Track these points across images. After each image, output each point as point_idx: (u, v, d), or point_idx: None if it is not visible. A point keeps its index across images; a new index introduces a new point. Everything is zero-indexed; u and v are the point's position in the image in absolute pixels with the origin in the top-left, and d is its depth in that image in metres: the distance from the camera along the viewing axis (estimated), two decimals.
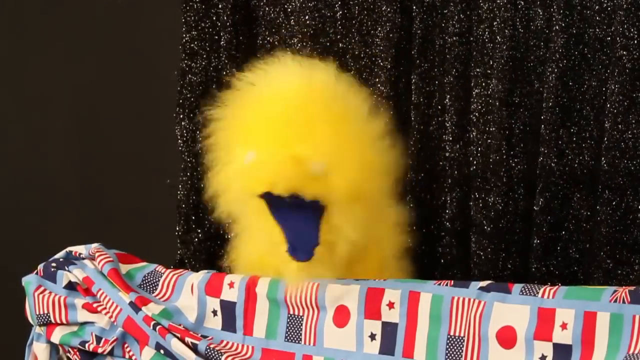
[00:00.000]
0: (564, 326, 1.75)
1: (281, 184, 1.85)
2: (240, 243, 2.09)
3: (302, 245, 1.91)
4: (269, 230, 1.93)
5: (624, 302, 1.71)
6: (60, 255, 2.18)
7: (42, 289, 2.15)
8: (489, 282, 1.86)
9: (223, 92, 2.03)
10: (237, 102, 1.98)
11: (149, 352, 2.06)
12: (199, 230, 2.44)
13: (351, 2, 2.31)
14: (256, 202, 1.91)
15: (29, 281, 2.16)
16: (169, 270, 2.12)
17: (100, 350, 2.11)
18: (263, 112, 1.93)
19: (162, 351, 2.04)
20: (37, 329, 2.18)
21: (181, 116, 2.43)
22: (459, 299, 1.85)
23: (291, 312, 1.99)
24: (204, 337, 2.04)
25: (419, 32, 2.26)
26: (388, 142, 1.98)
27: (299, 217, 1.90)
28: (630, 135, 2.08)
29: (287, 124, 1.89)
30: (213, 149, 2.01)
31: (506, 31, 2.17)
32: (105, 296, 2.08)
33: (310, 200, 1.87)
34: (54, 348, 2.18)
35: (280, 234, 1.91)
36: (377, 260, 2.03)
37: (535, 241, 2.16)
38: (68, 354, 2.17)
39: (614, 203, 2.09)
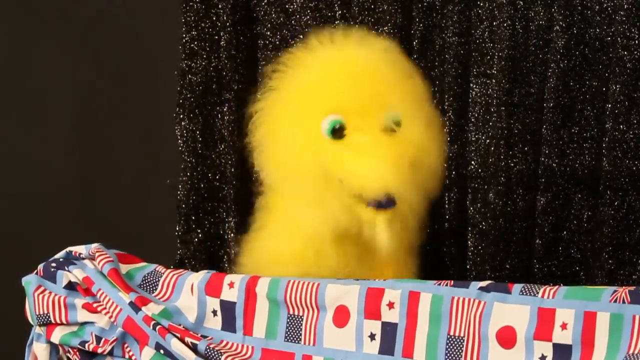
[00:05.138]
0: (563, 326, 1.74)
1: (393, 190, 1.86)
2: (266, 237, 2.09)
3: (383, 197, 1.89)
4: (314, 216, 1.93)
5: (624, 302, 1.71)
6: (60, 255, 2.18)
7: (42, 289, 2.15)
8: (489, 282, 1.86)
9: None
10: (296, 67, 1.95)
11: (148, 352, 2.06)
12: (199, 231, 2.44)
13: (351, 2, 2.31)
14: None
15: (29, 281, 2.16)
16: (168, 270, 2.12)
17: (100, 350, 2.10)
18: (333, 73, 1.88)
19: (162, 351, 2.04)
20: (37, 329, 2.17)
21: (181, 116, 2.43)
22: (459, 299, 1.85)
23: (291, 312, 1.99)
24: (204, 337, 2.04)
25: (418, 32, 2.26)
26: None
27: None
28: (631, 136, 2.08)
29: (365, 82, 1.87)
30: (267, 123, 1.96)
31: (506, 31, 2.16)
32: (105, 296, 2.08)
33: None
34: (53, 348, 2.17)
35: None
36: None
37: (537, 241, 2.16)
38: (68, 354, 2.17)
39: (615, 203, 2.09)
